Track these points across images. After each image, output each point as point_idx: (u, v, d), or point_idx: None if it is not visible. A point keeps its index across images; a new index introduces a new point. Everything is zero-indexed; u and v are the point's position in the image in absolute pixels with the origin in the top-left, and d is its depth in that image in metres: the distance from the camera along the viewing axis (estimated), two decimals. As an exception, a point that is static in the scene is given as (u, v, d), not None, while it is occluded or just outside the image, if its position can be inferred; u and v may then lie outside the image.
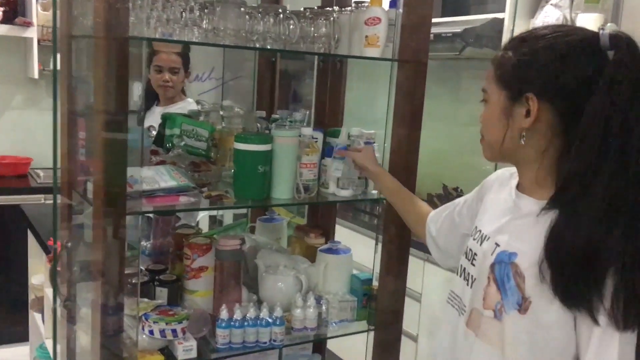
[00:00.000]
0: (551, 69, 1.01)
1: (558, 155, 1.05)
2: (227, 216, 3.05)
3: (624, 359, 0.96)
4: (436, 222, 1.45)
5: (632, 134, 0.96)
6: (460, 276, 1.20)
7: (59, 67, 1.55)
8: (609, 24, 0.95)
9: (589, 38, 1.01)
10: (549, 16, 2.29)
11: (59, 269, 1.66)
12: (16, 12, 3.61)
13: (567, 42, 1.01)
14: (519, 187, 1.14)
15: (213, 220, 3.04)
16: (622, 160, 0.96)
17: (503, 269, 1.08)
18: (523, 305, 1.04)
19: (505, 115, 1.07)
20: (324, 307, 1.67)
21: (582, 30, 1.06)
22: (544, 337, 1.03)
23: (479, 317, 1.12)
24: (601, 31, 0.99)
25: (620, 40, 0.98)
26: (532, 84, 1.03)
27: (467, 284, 1.17)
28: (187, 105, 2.62)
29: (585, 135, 0.97)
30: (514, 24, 2.23)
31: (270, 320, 1.55)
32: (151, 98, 2.73)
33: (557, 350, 1.02)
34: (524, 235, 1.07)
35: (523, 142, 1.05)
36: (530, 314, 1.03)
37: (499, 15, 2.44)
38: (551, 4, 2.29)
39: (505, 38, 2.38)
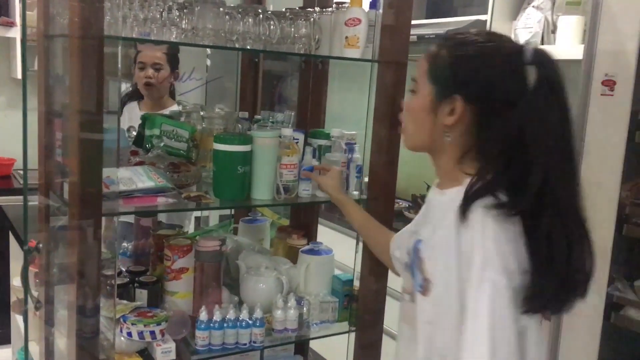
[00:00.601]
0: (480, 76, 1.07)
1: (467, 152, 1.12)
2: (213, 218, 3.04)
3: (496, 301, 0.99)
4: (397, 241, 1.40)
5: (541, 140, 1.03)
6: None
7: (35, 67, 1.54)
8: (532, 40, 1.03)
9: (516, 52, 1.06)
10: (530, 18, 2.30)
11: (36, 270, 1.64)
12: (-1, 11, 3.58)
13: (497, 54, 1.07)
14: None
15: (199, 221, 3.02)
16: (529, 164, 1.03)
17: (413, 254, 1.18)
18: (425, 287, 1.12)
19: (432, 109, 1.12)
20: (305, 308, 1.67)
21: (511, 42, 1.12)
22: (444, 314, 1.09)
23: (404, 302, 1.24)
24: (525, 46, 1.06)
25: (541, 56, 1.05)
26: (461, 86, 1.08)
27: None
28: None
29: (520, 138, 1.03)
30: (490, 25, 2.24)
31: (250, 321, 1.55)
32: (134, 97, 2.65)
33: (456, 326, 1.05)
34: (427, 221, 1.19)
35: (448, 139, 1.11)
36: (430, 294, 1.11)
37: (482, 17, 2.45)
38: (533, 6, 2.31)
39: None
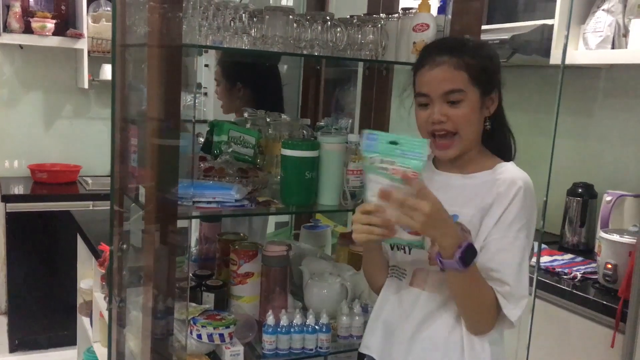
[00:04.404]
0: (497, 70, 1.35)
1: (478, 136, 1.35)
2: (269, 225, 3.06)
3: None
4: None
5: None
6: (399, 250, 1.40)
7: (100, 77, 1.59)
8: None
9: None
10: (600, 22, 2.23)
11: (103, 272, 1.68)
12: (67, 24, 3.74)
13: (495, 51, 1.39)
14: (440, 167, 1.40)
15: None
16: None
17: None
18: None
19: (481, 109, 1.33)
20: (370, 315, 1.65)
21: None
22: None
23: (426, 274, 1.35)
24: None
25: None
26: (495, 81, 1.34)
27: (406, 252, 1.38)
28: None
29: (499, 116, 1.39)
30: (568, 30, 2.19)
31: (316, 327, 1.55)
32: None
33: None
34: (458, 201, 1.31)
35: (488, 126, 1.36)
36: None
37: (548, 22, 2.39)
38: (603, 10, 2.24)
39: (556, 44, 2.33)
